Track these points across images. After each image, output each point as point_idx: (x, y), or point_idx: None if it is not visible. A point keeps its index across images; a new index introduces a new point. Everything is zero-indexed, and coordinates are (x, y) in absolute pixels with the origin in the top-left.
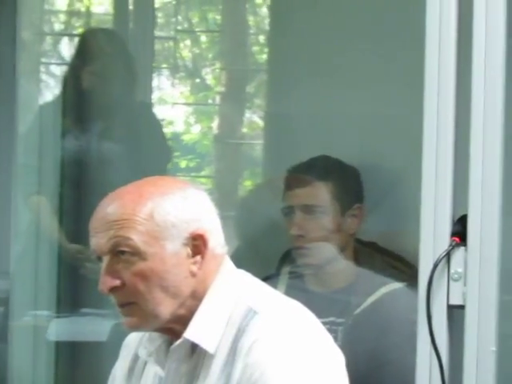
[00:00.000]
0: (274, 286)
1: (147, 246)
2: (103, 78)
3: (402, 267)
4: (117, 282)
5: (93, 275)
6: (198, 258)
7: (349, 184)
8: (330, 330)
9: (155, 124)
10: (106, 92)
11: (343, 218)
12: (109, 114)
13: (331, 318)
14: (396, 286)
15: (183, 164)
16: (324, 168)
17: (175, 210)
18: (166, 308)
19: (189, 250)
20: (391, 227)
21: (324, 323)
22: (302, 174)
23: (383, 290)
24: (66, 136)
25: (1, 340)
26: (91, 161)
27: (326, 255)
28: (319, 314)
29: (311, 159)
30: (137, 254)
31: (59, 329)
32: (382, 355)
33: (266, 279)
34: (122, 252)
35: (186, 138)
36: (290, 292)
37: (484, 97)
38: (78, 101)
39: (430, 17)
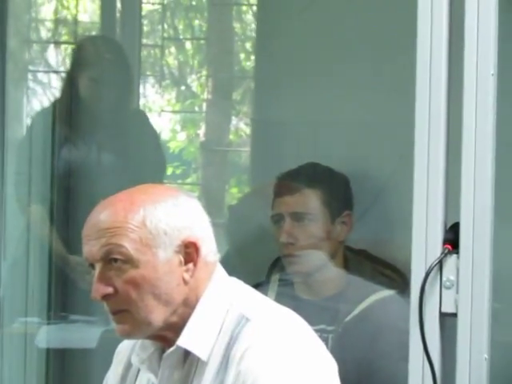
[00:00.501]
0: (264, 293)
1: (139, 254)
2: (102, 84)
3: (392, 275)
4: (109, 290)
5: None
6: (191, 265)
7: (338, 191)
8: (320, 338)
9: (149, 132)
10: (103, 99)
11: (333, 226)
12: (101, 123)
13: (321, 326)
14: (386, 293)
15: (169, 171)
16: (313, 175)
17: (167, 218)
18: (158, 315)
19: (181, 258)
20: (380, 235)
21: (314, 331)
22: (292, 181)
23: (373, 297)
24: (59, 145)
25: None
26: (83, 170)
27: (316, 263)
28: (309, 322)
29: (300, 166)
30: (129, 261)
31: (49, 336)
32: (372, 363)
33: (255, 286)
34: (114, 259)
35: (172, 145)
36: (280, 300)
37: (476, 104)
38: (72, 110)
39: (421, 24)
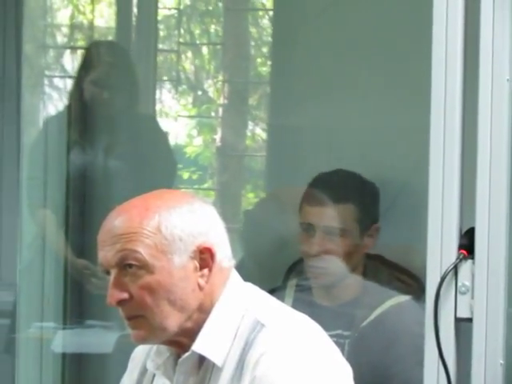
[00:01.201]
0: (281, 298)
1: (154, 260)
2: (104, 88)
3: (408, 280)
4: (124, 295)
5: (98, 291)
6: (206, 271)
7: (369, 204)
8: (336, 343)
9: (160, 136)
10: (109, 103)
11: (361, 239)
12: (113, 127)
13: (338, 331)
14: (402, 298)
15: (186, 176)
16: (349, 188)
17: (182, 224)
18: (173, 321)
19: (196, 264)
20: (396, 240)
21: (331, 336)
22: (323, 190)
23: (389, 302)
24: (72, 149)
25: (7, 352)
26: (97, 174)
27: (338, 273)
28: (326, 327)
29: (333, 173)
30: (144, 267)
31: (65, 341)
32: (388, 368)
33: (271, 291)
34: (129, 265)
35: (188, 150)
36: (297, 305)
37: (491, 109)
38: (82, 114)
39: (436, 30)
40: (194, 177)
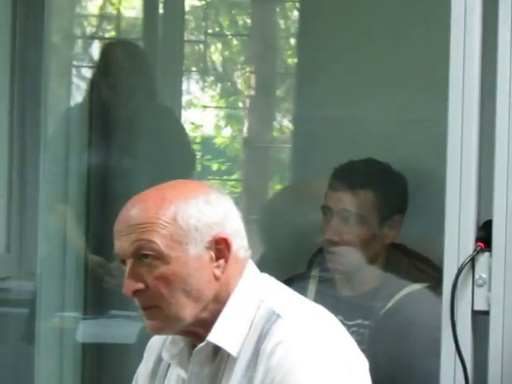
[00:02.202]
0: (304, 288)
1: (170, 250)
2: (120, 92)
3: (428, 269)
4: (140, 286)
5: (115, 288)
6: (222, 261)
7: (393, 194)
8: (357, 333)
9: (178, 130)
10: (126, 104)
11: (380, 229)
12: (132, 124)
13: (358, 321)
14: (418, 286)
15: (215, 167)
16: (372, 175)
17: (198, 214)
18: (188, 311)
19: (212, 254)
20: (419, 231)
21: (351, 326)
22: (348, 176)
23: (405, 290)
24: (91, 145)
25: (27, 341)
26: (116, 170)
27: (356, 263)
28: (347, 317)
29: (361, 162)
30: (160, 257)
31: (88, 331)
32: (405, 356)
33: (293, 279)
34: (145, 255)
35: (217, 141)
36: (319, 296)
37: (509, 100)
38: (100, 112)
39: (455, 25)
40: (223, 168)
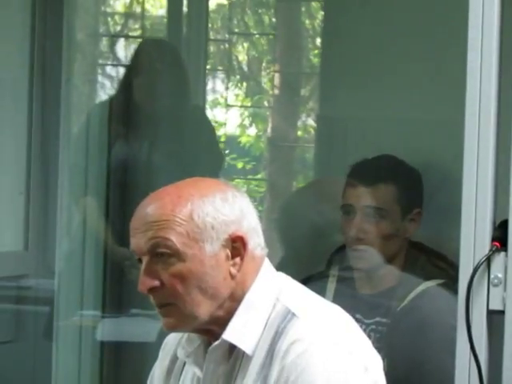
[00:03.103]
0: (323, 287)
1: (186, 248)
2: (152, 92)
3: (446, 266)
4: (156, 283)
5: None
6: (238, 259)
7: (411, 187)
8: (375, 331)
9: (207, 128)
10: (156, 104)
11: (402, 223)
12: (159, 121)
13: (377, 319)
14: (434, 283)
15: (240, 165)
16: (390, 169)
17: (215, 212)
18: (204, 309)
19: (228, 252)
20: (437, 231)
21: (370, 324)
22: (367, 172)
23: (421, 287)
24: (115, 140)
25: (47, 339)
26: (140, 165)
27: (379, 260)
28: (366, 316)
29: (376, 158)
30: (176, 255)
31: (108, 329)
32: (421, 353)
33: (311, 278)
34: (161, 253)
35: (243, 140)
36: (338, 294)
37: None
38: (128, 108)
39: (472, 23)
40: (248, 167)
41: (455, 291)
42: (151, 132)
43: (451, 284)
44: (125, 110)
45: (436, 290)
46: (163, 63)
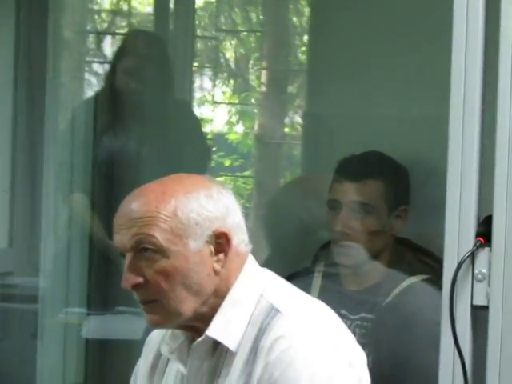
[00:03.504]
0: (308, 283)
1: (170, 244)
2: (135, 78)
3: (431, 262)
4: (139, 280)
5: None
6: (222, 256)
7: (399, 184)
8: (360, 326)
9: (193, 123)
10: (140, 92)
11: (388, 219)
12: (144, 114)
13: (362, 314)
14: (418, 278)
15: (227, 163)
16: (377, 165)
17: (199, 208)
18: (188, 306)
19: (212, 249)
20: (422, 227)
21: (355, 319)
22: (354, 167)
23: (406, 282)
24: (101, 134)
25: (33, 337)
26: (125, 159)
27: (365, 256)
28: (352, 311)
29: (364, 153)
30: (160, 251)
31: (93, 326)
32: (405, 348)
33: (297, 274)
34: (144, 249)
35: (230, 137)
36: (323, 290)
37: (510, 95)
38: (113, 100)
39: (457, 17)
40: (236, 164)
41: (440, 287)
42: (137, 127)
43: (436, 279)
44: (110, 104)
45: (420, 285)
46: (148, 50)
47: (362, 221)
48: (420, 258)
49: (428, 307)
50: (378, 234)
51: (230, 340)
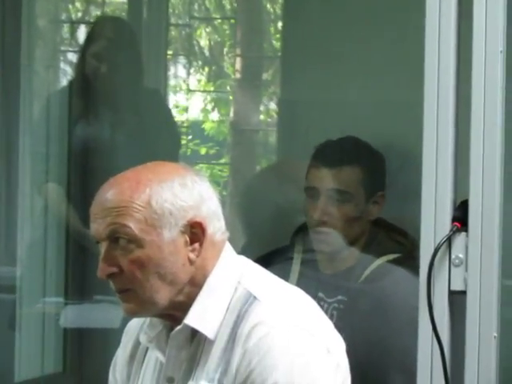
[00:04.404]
0: (287, 269)
1: (144, 234)
2: (103, 62)
3: (405, 241)
4: (114, 269)
5: None
6: (196, 245)
7: (375, 170)
8: (337, 309)
9: (164, 110)
10: (110, 77)
11: (366, 206)
12: (115, 102)
13: (339, 297)
14: (389, 257)
15: (203, 151)
16: (354, 151)
17: (173, 198)
18: (163, 295)
19: (187, 238)
20: (398, 212)
21: (332, 302)
22: (331, 153)
23: (377, 262)
24: (75, 122)
25: (10, 327)
26: (99, 148)
27: (342, 243)
28: (328, 295)
29: (341, 139)
30: (134, 241)
31: (71, 316)
32: (378, 329)
33: (274, 256)
34: (119, 239)
35: (206, 126)
36: (302, 275)
37: (484, 80)
38: (85, 87)
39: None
40: (211, 152)
41: (413, 265)
42: (109, 114)
43: (409, 258)
44: (83, 92)
45: (390, 265)
46: (116, 34)
47: (340, 208)
48: (393, 237)
49: (399, 286)
50: (356, 221)
51: (207, 328)
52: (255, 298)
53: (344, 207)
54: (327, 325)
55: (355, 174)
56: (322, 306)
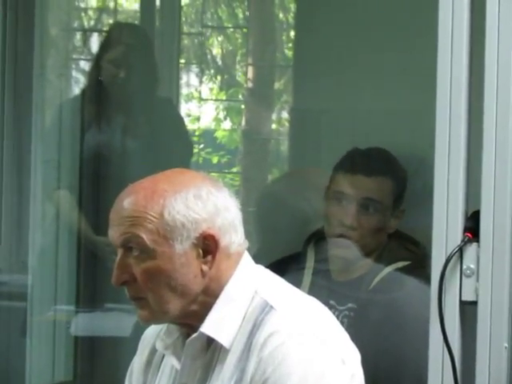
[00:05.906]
0: (299, 280)
1: (156, 245)
2: (120, 68)
3: (415, 249)
4: (126, 277)
5: None
6: (209, 257)
7: (402, 184)
8: (348, 317)
9: (176, 119)
10: (125, 84)
11: (389, 218)
12: (129, 108)
13: (349, 305)
14: (398, 265)
15: (215, 160)
16: (387, 163)
17: (186, 210)
18: (174, 305)
19: (199, 250)
20: (412, 222)
21: (343, 310)
22: (367, 162)
23: (387, 269)
24: (87, 129)
25: (21, 335)
26: (111, 156)
27: (360, 252)
28: (339, 302)
29: (370, 149)
30: (145, 251)
31: (82, 324)
32: (388, 336)
33: (287, 263)
34: (132, 248)
35: (218, 134)
36: (314, 283)
37: (497, 91)
38: (98, 94)
39: (442, 11)
40: (223, 160)
41: (422, 274)
42: (122, 121)
43: (418, 267)
44: (96, 99)
45: (400, 272)
46: (132, 39)
47: (370, 217)
48: (404, 245)
49: (412, 297)
50: (379, 232)
51: (223, 337)
52: (272, 307)
53: (373, 217)
54: (343, 335)
55: (388, 186)
56: (333, 314)
